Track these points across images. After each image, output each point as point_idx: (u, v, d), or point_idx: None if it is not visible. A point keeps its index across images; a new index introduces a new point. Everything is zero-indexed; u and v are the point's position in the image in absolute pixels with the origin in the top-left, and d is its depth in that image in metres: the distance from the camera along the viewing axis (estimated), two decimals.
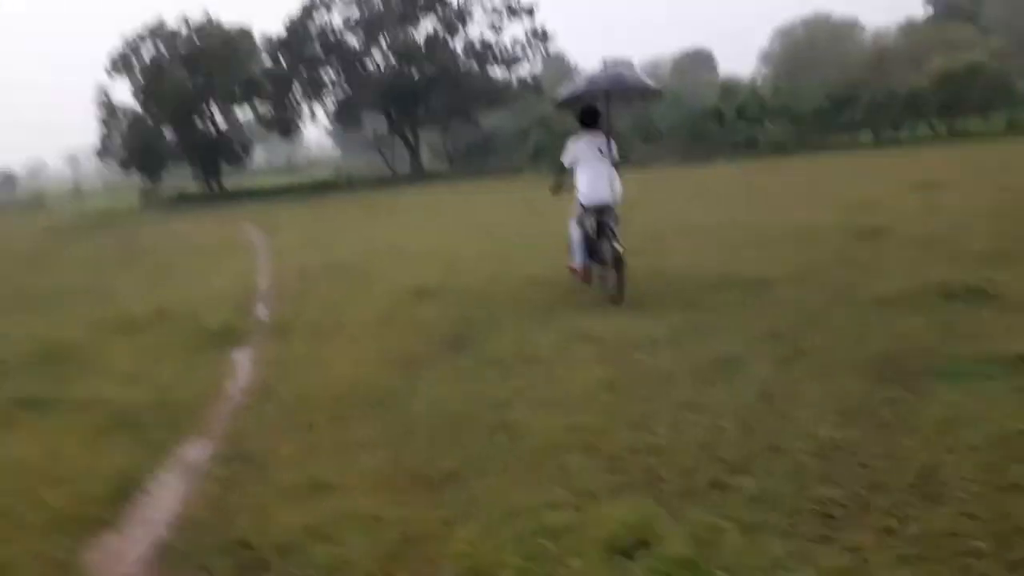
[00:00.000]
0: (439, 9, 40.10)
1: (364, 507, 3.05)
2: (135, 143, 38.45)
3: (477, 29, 41.25)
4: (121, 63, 37.98)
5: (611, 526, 2.66)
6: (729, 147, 29.47)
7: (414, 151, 42.40)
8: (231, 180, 46.18)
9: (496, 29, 40.76)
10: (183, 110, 37.69)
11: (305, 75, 40.25)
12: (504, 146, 46.04)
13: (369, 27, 39.89)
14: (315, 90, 41.22)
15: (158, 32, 37.82)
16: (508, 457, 3.42)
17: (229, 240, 16.37)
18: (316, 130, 73.73)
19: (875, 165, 19.41)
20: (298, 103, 41.56)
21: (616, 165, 6.89)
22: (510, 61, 41.34)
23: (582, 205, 6.87)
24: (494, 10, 40.53)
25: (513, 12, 40.29)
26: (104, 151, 40.04)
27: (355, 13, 39.98)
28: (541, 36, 40.73)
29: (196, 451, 3.89)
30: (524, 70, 41.61)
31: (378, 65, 40.98)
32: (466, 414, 4.00)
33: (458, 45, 41.20)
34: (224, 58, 37.39)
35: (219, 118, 40.71)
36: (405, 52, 38.90)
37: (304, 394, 4.60)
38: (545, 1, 43.16)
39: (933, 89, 24.90)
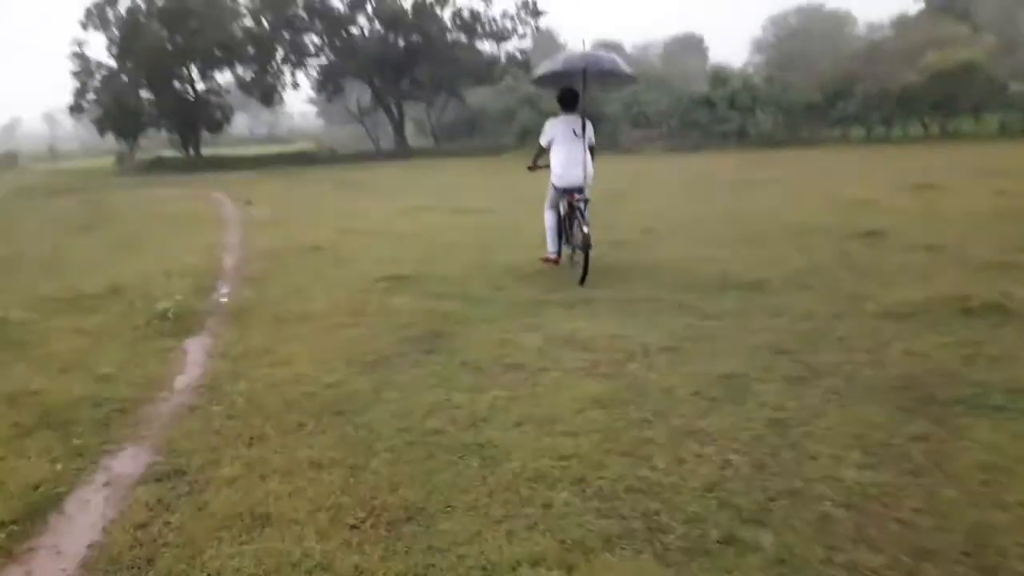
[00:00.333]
0: None
1: (310, 550, 2.56)
2: (109, 101, 37.19)
3: None
4: (96, 15, 36.59)
5: None
6: (719, 136, 29.03)
7: (398, 125, 41.51)
8: (211, 148, 45.08)
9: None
10: (160, 69, 36.45)
11: (288, 39, 39.09)
12: (490, 124, 45.27)
13: None
14: (298, 55, 40.09)
15: None
16: (481, 489, 2.93)
17: (200, 211, 15.67)
18: (300, 101, 72.39)
19: (868, 163, 19.08)
20: (280, 69, 40.42)
21: (591, 148, 7.05)
22: (499, 35, 40.45)
23: (554, 186, 7.09)
24: None
25: None
26: (77, 108, 38.64)
27: None
28: (532, 10, 39.87)
29: (127, 462, 3.37)
30: (513, 45, 40.80)
31: (363, 31, 39.89)
32: (435, 430, 3.51)
33: (446, 14, 40.23)
34: (204, 15, 36.14)
35: (198, 81, 39.49)
36: (391, 18, 37.84)
37: (256, 397, 4.08)
38: None
39: (926, 86, 24.57)
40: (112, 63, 37.71)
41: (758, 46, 64.30)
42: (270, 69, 39.69)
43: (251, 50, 38.37)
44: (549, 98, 9.18)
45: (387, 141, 43.39)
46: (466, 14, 40.21)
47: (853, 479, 2.88)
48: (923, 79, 24.57)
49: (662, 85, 36.34)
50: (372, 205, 15.09)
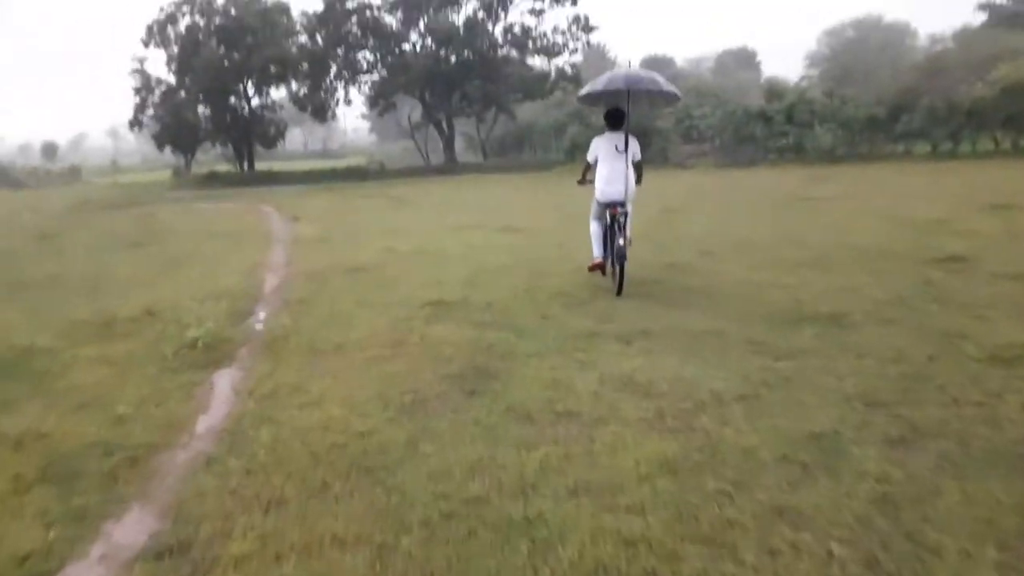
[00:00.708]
0: None
1: None
2: (168, 116, 38.07)
3: (517, 13, 40.19)
4: (157, 33, 37.51)
5: None
6: (775, 151, 28.07)
7: (448, 141, 41.46)
8: (265, 162, 45.80)
9: (536, 14, 39.54)
10: (217, 84, 37.12)
11: (342, 55, 39.47)
12: (540, 139, 44.95)
13: (408, 7, 38.92)
14: (351, 72, 40.43)
15: (194, 2, 37.21)
16: None
17: (248, 227, 15.59)
18: (353, 116, 73.48)
19: (936, 180, 18.01)
20: (333, 85, 40.82)
21: (637, 164, 7.25)
22: (550, 51, 40.12)
23: (597, 201, 7.34)
24: None
25: None
26: (136, 123, 39.63)
27: None
28: (584, 25, 39.43)
29: (129, 529, 2.99)
30: (563, 60, 40.40)
31: (415, 47, 40.03)
32: (477, 498, 3.05)
33: (497, 30, 40.08)
34: (260, 32, 36.75)
35: (254, 97, 40.15)
36: (444, 35, 37.86)
37: (280, 447, 3.68)
38: None
39: (997, 100, 23.27)
40: (171, 79, 38.61)
41: (813, 59, 62.63)
42: (323, 85, 40.11)
43: (305, 66, 38.85)
44: (598, 113, 9.08)
45: (437, 156, 43.41)
46: (517, 30, 40.01)
47: None
48: (994, 92, 23.27)
49: (714, 99, 35.52)
50: (419, 222, 14.79)
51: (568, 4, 39.15)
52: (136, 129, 41.33)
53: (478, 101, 39.57)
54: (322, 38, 38.90)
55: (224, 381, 4.92)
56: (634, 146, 7.24)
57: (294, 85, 40.03)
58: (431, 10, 39.00)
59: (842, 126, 27.31)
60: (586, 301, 6.77)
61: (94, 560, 2.76)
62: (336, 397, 4.41)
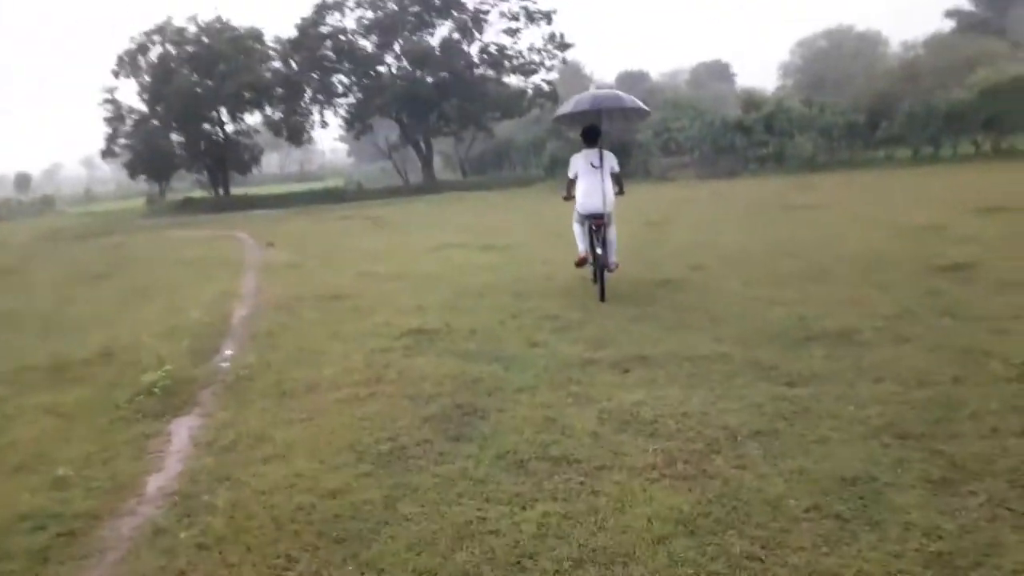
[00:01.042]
0: (455, 13, 38.79)
1: None
2: (140, 145, 37.46)
3: (493, 33, 40.00)
4: (128, 63, 36.95)
5: None
6: (755, 161, 27.96)
7: (426, 160, 41.12)
8: (242, 187, 45.19)
9: (512, 33, 39.43)
10: (190, 112, 36.55)
11: (317, 79, 39.05)
12: (519, 155, 44.76)
13: (383, 31, 38.65)
14: (327, 95, 40.01)
15: (166, 31, 36.72)
16: None
17: (220, 254, 15.04)
18: (331, 138, 73.12)
19: (921, 184, 17.87)
20: (309, 109, 40.39)
21: (616, 176, 7.68)
22: (526, 69, 39.99)
23: (578, 211, 7.74)
24: (511, 16, 39.25)
25: (531, 17, 38.96)
26: (109, 152, 38.93)
27: (369, 15, 38.74)
28: (559, 43, 39.36)
29: None
30: (540, 77, 40.24)
31: (391, 70, 39.73)
32: (465, 574, 2.60)
33: (473, 50, 39.92)
34: (233, 58, 36.31)
35: (228, 123, 39.61)
36: (419, 57, 37.60)
37: (239, 512, 3.21)
38: (562, 12, 41.75)
39: (976, 103, 23.30)
40: (143, 108, 37.98)
41: (786, 70, 63.22)
42: (298, 109, 39.67)
43: (280, 91, 38.41)
44: (576, 128, 9.21)
45: (416, 175, 43.06)
46: (493, 49, 39.86)
47: None
48: (972, 96, 23.32)
49: (691, 111, 35.50)
50: (397, 243, 14.35)
51: (543, 23, 39.13)
52: (108, 158, 40.61)
53: (456, 120, 39.33)
54: (296, 63, 38.49)
55: (182, 431, 4.43)
56: (610, 160, 7.65)
57: (268, 110, 39.55)
58: (406, 32, 38.79)
59: (821, 134, 27.28)
60: (576, 324, 6.35)
61: None
62: (304, 447, 3.94)
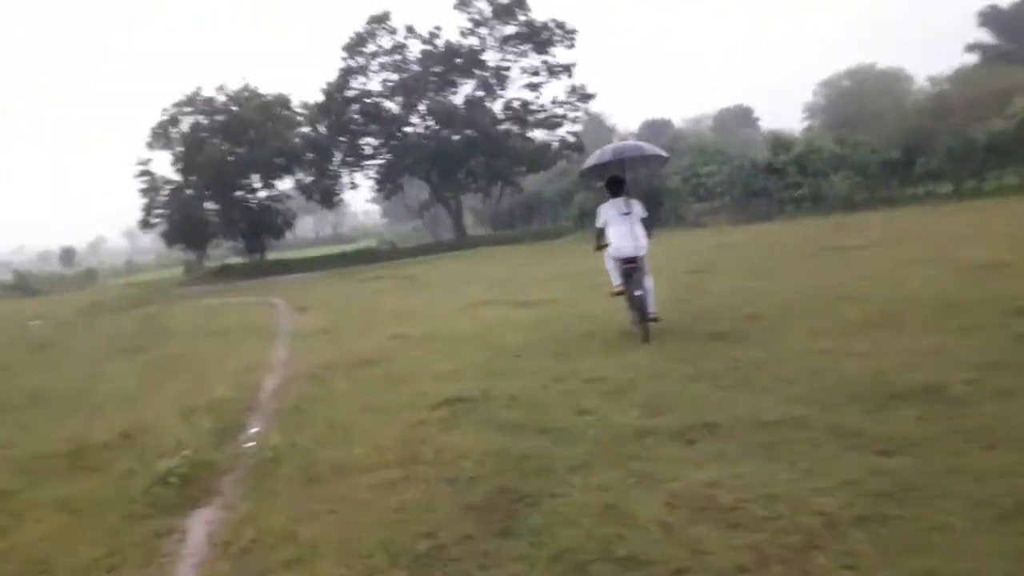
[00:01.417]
0: (477, 71, 39.36)
1: None
2: (176, 215, 38.19)
3: (515, 88, 40.45)
4: (161, 134, 37.94)
5: None
6: (791, 203, 27.35)
7: (456, 216, 41.25)
8: (278, 251, 45.79)
9: (534, 88, 39.80)
10: (223, 180, 37.30)
11: (346, 142, 39.67)
12: (548, 207, 44.73)
13: (408, 92, 39.31)
14: (356, 157, 40.59)
15: (196, 101, 37.73)
16: None
17: (251, 321, 14.82)
18: (363, 200, 74.24)
19: (971, 220, 17.07)
20: (339, 172, 40.95)
21: (645, 221, 8.06)
22: (550, 123, 40.21)
23: (612, 256, 8.10)
24: (532, 71, 39.68)
25: (551, 71, 39.36)
26: (145, 223, 39.72)
27: (393, 77, 39.47)
28: (581, 94, 39.59)
29: None
30: (564, 129, 40.42)
31: (417, 130, 40.24)
32: None
33: (497, 106, 40.32)
34: (262, 125, 37.11)
35: (260, 189, 40.26)
36: (444, 116, 38.06)
37: None
38: (583, 65, 42.21)
39: (1016, 134, 22.54)
40: (177, 177, 38.84)
41: (811, 111, 63.00)
42: (329, 172, 40.24)
43: (309, 156, 39.06)
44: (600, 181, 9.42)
45: (447, 232, 43.23)
46: (516, 104, 40.25)
47: None
48: (1012, 126, 22.60)
49: (719, 155, 35.17)
50: (430, 302, 13.99)
51: (564, 76, 39.49)
52: (145, 229, 41.43)
53: (483, 176, 39.57)
54: (324, 127, 39.21)
55: (198, 528, 3.98)
56: (637, 207, 8.05)
57: (299, 174, 40.18)
58: (430, 92, 39.39)
59: (857, 172, 26.63)
60: (627, 386, 5.81)
61: None
62: (331, 546, 3.45)
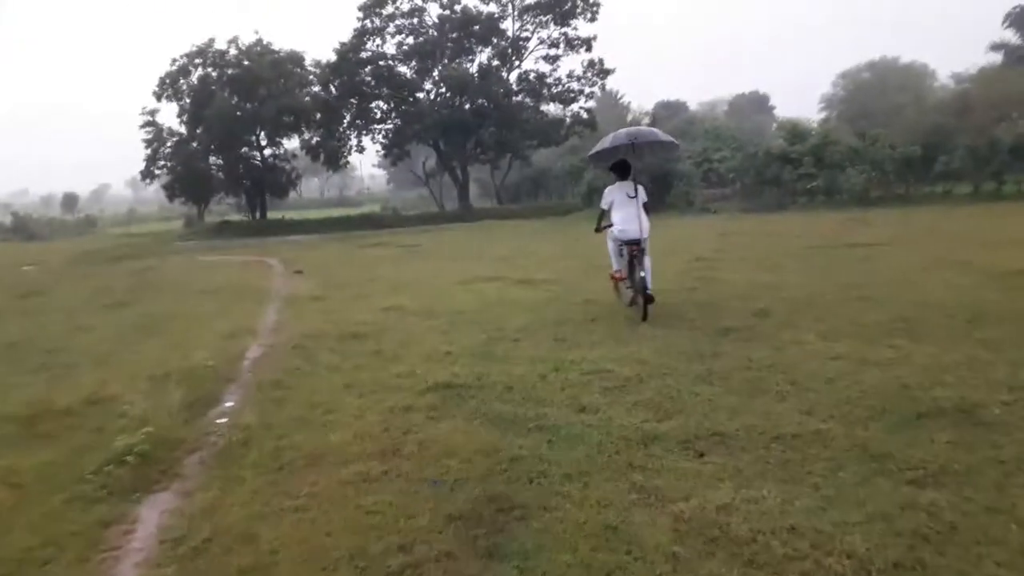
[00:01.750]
0: (495, 40, 38.45)
1: None
2: (179, 167, 37.57)
3: (532, 60, 39.60)
4: (170, 85, 37.17)
5: None
6: (804, 194, 26.75)
7: (463, 187, 40.60)
8: (280, 211, 45.16)
9: (551, 60, 38.93)
10: (229, 135, 36.55)
11: (355, 105, 38.88)
12: (556, 184, 44.05)
13: (422, 57, 38.45)
14: (365, 121, 39.81)
15: (207, 53, 36.90)
16: None
17: (245, 282, 14.39)
18: (370, 164, 73.41)
19: (992, 223, 16.54)
20: (347, 134, 40.22)
21: (646, 207, 8.21)
22: (565, 97, 39.36)
23: (616, 239, 8.36)
24: (551, 43, 38.80)
25: (571, 44, 38.46)
26: (148, 174, 39.10)
27: (408, 41, 38.58)
28: (599, 70, 38.68)
29: None
30: (579, 105, 39.57)
31: (429, 96, 39.44)
32: None
33: (512, 77, 39.47)
34: (273, 82, 36.34)
35: (267, 147, 39.61)
36: (458, 83, 37.21)
37: None
38: (601, 41, 41.03)
39: None
40: (183, 130, 38.16)
41: (829, 102, 61.85)
42: (337, 134, 39.51)
43: (318, 116, 38.32)
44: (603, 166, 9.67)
45: (452, 202, 42.62)
46: (532, 77, 39.39)
47: None
48: None
49: (732, 141, 34.44)
50: (430, 274, 13.56)
51: (583, 51, 38.59)
52: (148, 180, 40.83)
53: (493, 148, 38.81)
54: (335, 88, 38.38)
55: (150, 518, 3.60)
56: (642, 193, 8.24)
57: (307, 134, 39.46)
58: (445, 59, 38.53)
59: (874, 167, 26.01)
60: (632, 382, 5.41)
61: None
62: (293, 553, 3.07)
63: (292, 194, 48.36)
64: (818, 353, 6.03)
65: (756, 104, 75.46)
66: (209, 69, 37.20)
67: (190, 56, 37.07)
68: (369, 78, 38.36)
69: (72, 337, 9.02)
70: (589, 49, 38.36)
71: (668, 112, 57.62)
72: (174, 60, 37.13)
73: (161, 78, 37.17)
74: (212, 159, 38.86)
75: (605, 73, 38.97)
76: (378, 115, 40.19)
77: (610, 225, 8.42)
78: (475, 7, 38.11)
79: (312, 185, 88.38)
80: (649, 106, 66.48)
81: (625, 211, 8.14)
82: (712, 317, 7.80)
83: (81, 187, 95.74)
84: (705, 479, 3.61)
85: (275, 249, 23.96)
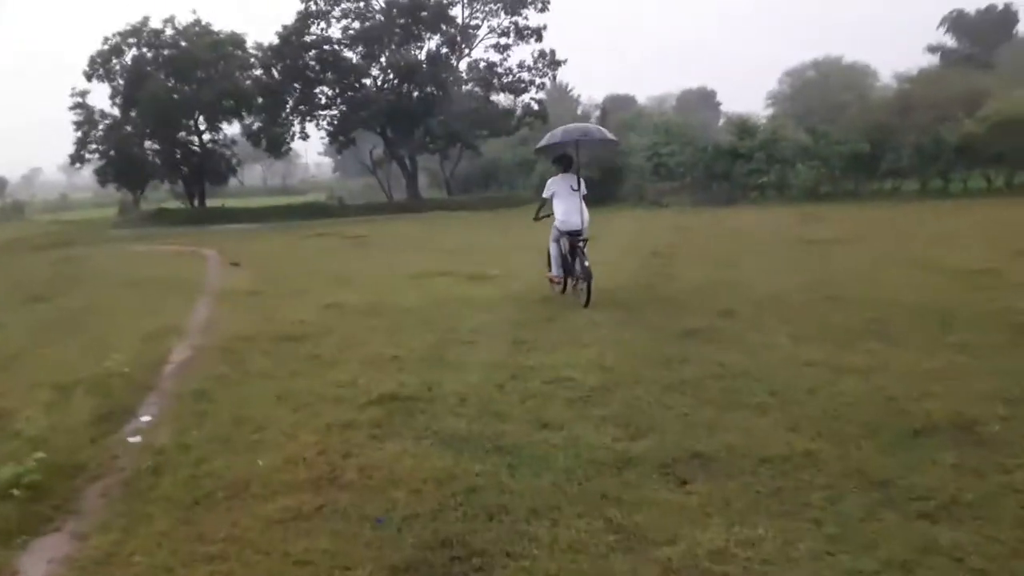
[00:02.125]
0: (443, 27, 37.59)
1: None
2: (111, 151, 35.72)
3: (481, 49, 38.88)
4: (101, 65, 35.22)
5: None
6: (755, 189, 26.83)
7: (411, 177, 39.69)
8: (220, 198, 43.47)
9: (502, 49, 38.30)
10: (166, 119, 34.80)
11: (299, 90, 37.54)
12: (506, 175, 43.48)
13: (369, 42, 37.31)
14: (309, 106, 38.49)
15: (142, 32, 35.07)
16: None
17: (178, 274, 13.48)
18: (316, 152, 71.55)
19: (943, 220, 16.63)
20: (290, 119, 38.83)
21: (584, 198, 8.55)
22: (516, 87, 38.79)
23: (558, 229, 8.49)
24: (501, 31, 38.15)
25: (520, 34, 37.88)
26: (78, 158, 37.09)
27: (355, 26, 37.40)
28: (550, 60, 38.22)
29: None
30: (529, 96, 39.06)
31: (376, 83, 38.36)
32: None
33: (462, 66, 38.74)
34: (212, 64, 34.79)
35: (205, 132, 37.94)
36: (405, 70, 36.25)
37: None
38: (550, 34, 40.68)
39: (987, 137, 22.29)
40: (115, 112, 36.28)
41: (775, 99, 62.87)
42: (279, 120, 38.08)
43: (260, 100, 36.85)
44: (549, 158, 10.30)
45: (400, 192, 41.64)
46: (482, 65, 38.69)
47: None
48: (983, 129, 22.34)
49: (681, 136, 34.43)
50: (376, 267, 12.90)
51: (533, 40, 38.07)
52: (78, 165, 38.77)
53: (442, 137, 37.94)
54: (278, 72, 36.97)
55: (36, 571, 2.96)
56: (583, 185, 8.59)
57: (248, 119, 37.96)
58: (392, 45, 37.47)
59: (823, 163, 26.23)
60: (598, 392, 4.94)
61: None
62: None
63: (233, 181, 46.67)
64: (792, 358, 5.66)
65: (703, 99, 76.27)
66: (144, 49, 35.39)
67: (123, 35, 35.21)
68: (313, 62, 37.06)
69: None
70: (540, 39, 37.83)
71: (617, 105, 57.65)
72: (106, 39, 35.24)
73: (92, 57, 35.18)
74: (147, 144, 37.09)
75: (556, 64, 38.54)
76: (323, 101, 38.86)
77: (549, 215, 8.73)
78: None
79: (255, 172, 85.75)
80: (599, 99, 66.51)
81: (568, 203, 8.41)
82: (675, 317, 7.40)
83: (11, 172, 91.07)
84: (691, 514, 3.15)
85: (213, 239, 22.80)
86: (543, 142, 9.03)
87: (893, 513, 3.11)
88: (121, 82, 35.34)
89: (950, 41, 55.00)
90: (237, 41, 36.80)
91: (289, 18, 36.64)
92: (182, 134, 37.31)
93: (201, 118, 37.09)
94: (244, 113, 37.26)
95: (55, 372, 5.97)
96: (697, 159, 30.42)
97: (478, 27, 38.38)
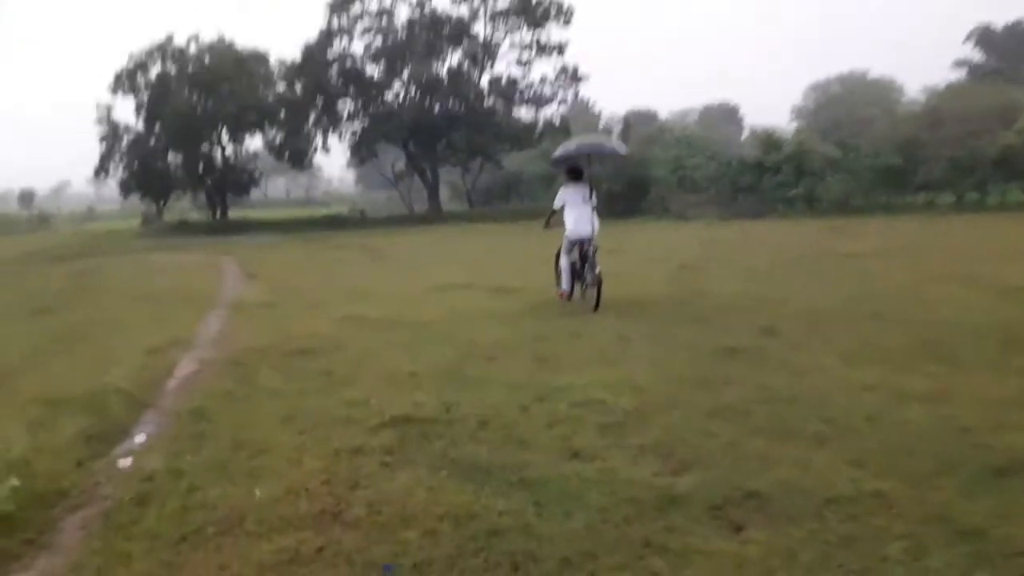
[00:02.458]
0: (466, 42, 37.45)
1: None
2: (135, 164, 36.04)
3: (504, 64, 38.68)
4: (127, 80, 35.59)
5: None
6: (783, 202, 26.23)
7: (433, 190, 39.49)
8: (243, 210, 43.65)
9: (524, 64, 38.08)
10: (189, 133, 35.10)
11: (321, 104, 37.57)
12: (527, 188, 43.15)
13: (391, 58, 37.28)
14: (332, 120, 38.50)
15: (166, 49, 35.40)
16: None
17: (194, 285, 13.19)
18: (339, 166, 71.69)
19: (983, 234, 15.99)
20: (312, 133, 38.88)
21: (595, 209, 8.75)
22: (537, 101, 38.55)
23: (568, 239, 8.73)
24: (523, 46, 37.94)
25: (542, 48, 37.64)
26: (103, 170, 37.45)
27: (377, 42, 37.40)
28: (572, 75, 37.96)
29: None
30: (551, 110, 38.80)
31: (399, 97, 38.28)
32: None
33: (484, 80, 38.55)
34: (236, 80, 34.97)
35: (228, 145, 38.13)
36: (428, 85, 36.15)
37: None
38: (572, 48, 40.39)
39: None
40: (140, 126, 36.61)
41: (799, 113, 62.35)
42: (301, 133, 38.17)
43: (283, 114, 37.00)
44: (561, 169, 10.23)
45: (422, 205, 41.48)
46: (504, 80, 38.50)
47: None
48: (1021, 141, 21.65)
49: (706, 150, 33.89)
50: (395, 280, 12.55)
51: (555, 55, 37.83)
52: (103, 176, 39.08)
53: (463, 150, 37.74)
54: (301, 87, 37.07)
55: None
56: (594, 196, 8.81)
57: (271, 132, 38.11)
58: (414, 60, 37.40)
59: (853, 177, 25.60)
60: (633, 417, 4.48)
61: None
62: None
63: (257, 193, 46.94)
64: (845, 382, 5.16)
65: (726, 115, 75.65)
66: (169, 64, 35.71)
67: (148, 52, 35.59)
68: (336, 77, 37.12)
69: None
70: (561, 53, 37.64)
71: (639, 120, 57.19)
72: (131, 56, 35.63)
73: (117, 74, 35.65)
74: (171, 156, 37.40)
75: (578, 79, 38.31)
76: (345, 115, 38.93)
77: (559, 224, 8.95)
78: (444, 12, 37.15)
79: (278, 185, 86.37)
80: (621, 113, 66.10)
81: (579, 212, 8.66)
82: (710, 334, 6.94)
83: (42, 184, 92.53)
84: (752, 570, 2.68)
85: (233, 249, 22.64)
86: (558, 153, 9.31)
87: (990, 573, 2.62)
88: (145, 97, 35.68)
89: (977, 56, 54.11)
90: (259, 58, 37.03)
91: (312, 36, 36.77)
92: (205, 147, 37.55)
93: (224, 131, 37.29)
94: (267, 126, 37.41)
95: (48, 387, 5.63)
96: (722, 172, 29.96)
97: (500, 43, 38.22)
